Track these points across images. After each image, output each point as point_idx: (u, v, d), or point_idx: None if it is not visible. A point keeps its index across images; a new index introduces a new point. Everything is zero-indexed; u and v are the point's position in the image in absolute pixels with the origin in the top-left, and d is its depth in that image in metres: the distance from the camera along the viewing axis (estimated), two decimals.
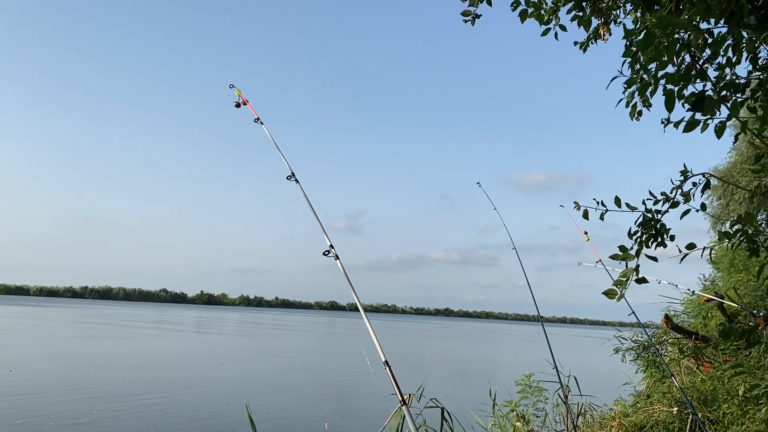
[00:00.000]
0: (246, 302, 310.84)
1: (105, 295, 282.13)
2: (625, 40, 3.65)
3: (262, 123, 4.77)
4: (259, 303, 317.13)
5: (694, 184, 3.57)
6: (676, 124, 2.88)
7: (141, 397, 17.18)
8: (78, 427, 13.12)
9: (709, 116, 2.74)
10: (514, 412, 7.83)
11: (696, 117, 2.73)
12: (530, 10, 4.41)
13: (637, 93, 3.81)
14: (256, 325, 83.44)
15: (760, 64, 3.22)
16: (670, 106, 2.65)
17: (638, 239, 3.64)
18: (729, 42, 3.11)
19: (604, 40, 4.60)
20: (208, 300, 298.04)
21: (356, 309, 3.77)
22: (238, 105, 4.87)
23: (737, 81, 3.18)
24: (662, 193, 3.63)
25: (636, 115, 4.06)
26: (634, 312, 6.62)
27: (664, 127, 3.09)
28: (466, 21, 4.51)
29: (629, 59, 3.64)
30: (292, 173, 4.39)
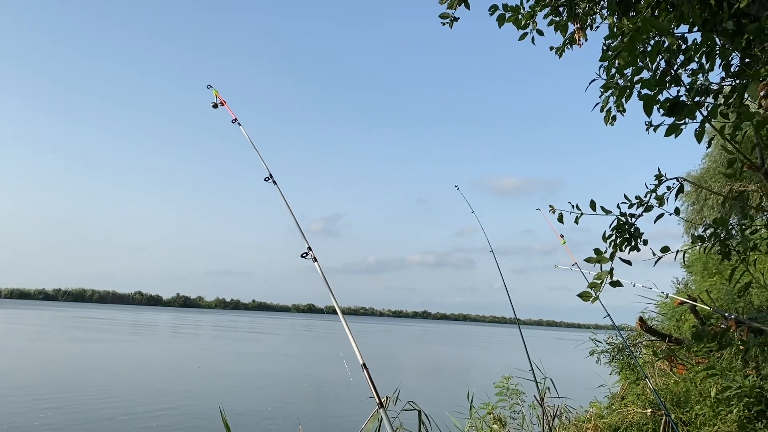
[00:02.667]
0: (222, 305, 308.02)
1: (78, 297, 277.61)
2: (602, 45, 3.70)
3: (239, 124, 4.74)
4: (235, 306, 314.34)
5: (669, 188, 3.62)
6: (656, 128, 2.92)
7: (114, 401, 16.95)
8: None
9: (683, 121, 2.78)
10: (491, 415, 7.86)
11: (676, 122, 2.77)
12: (508, 15, 4.44)
13: (614, 98, 3.85)
14: (232, 327, 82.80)
15: (732, 70, 3.27)
16: (648, 111, 2.68)
17: (612, 242, 3.68)
18: (703, 49, 3.16)
19: (579, 44, 4.65)
20: (183, 303, 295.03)
21: (334, 311, 3.76)
22: (215, 106, 4.83)
23: (710, 86, 3.23)
24: (636, 197, 3.68)
25: (610, 120, 4.11)
26: (609, 314, 6.68)
27: (647, 130, 3.13)
28: (444, 24, 4.53)
29: (605, 63, 3.68)
30: (270, 175, 4.36)
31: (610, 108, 4.05)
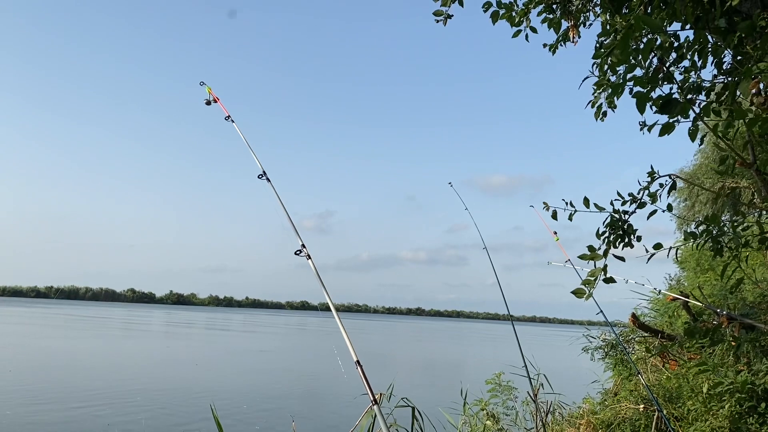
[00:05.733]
0: (216, 302, 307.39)
1: (71, 294, 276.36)
2: (595, 42, 3.71)
3: (233, 121, 4.72)
4: (228, 303, 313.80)
5: (661, 185, 3.64)
6: (650, 128, 2.93)
7: (105, 397, 16.90)
8: (38, 427, 12.87)
9: (676, 119, 2.79)
10: (485, 411, 7.88)
11: (670, 120, 2.78)
12: (502, 12, 4.45)
13: (605, 94, 3.86)
14: (226, 325, 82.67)
15: (724, 68, 3.29)
16: (641, 108, 2.69)
17: (606, 239, 3.70)
18: (696, 46, 3.18)
19: (573, 42, 4.66)
20: (176, 300, 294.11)
21: (328, 309, 3.76)
22: (208, 103, 4.81)
23: (702, 84, 3.25)
24: (629, 194, 3.70)
25: (600, 116, 4.13)
26: (602, 311, 6.70)
27: (641, 130, 3.14)
28: (438, 21, 4.53)
29: (598, 61, 3.69)
30: (264, 172, 4.35)
31: (600, 104, 4.07)
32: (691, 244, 3.72)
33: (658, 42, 3.30)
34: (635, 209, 3.68)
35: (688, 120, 2.87)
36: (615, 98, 3.86)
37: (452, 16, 4.52)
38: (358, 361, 3.42)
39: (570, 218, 3.94)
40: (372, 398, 3.29)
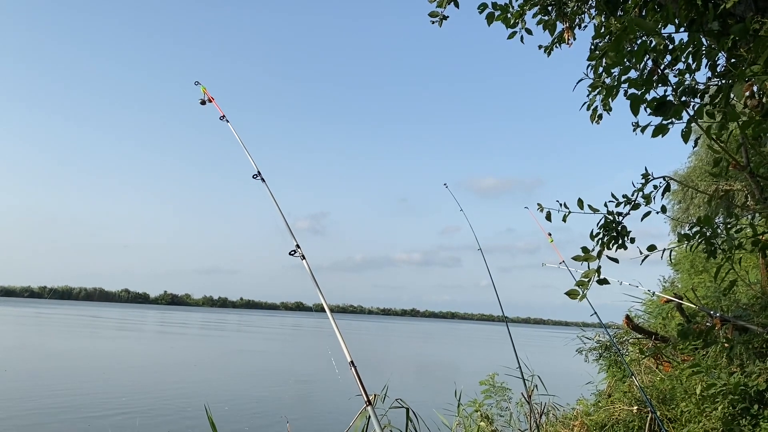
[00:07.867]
0: (210, 303, 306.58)
1: (65, 295, 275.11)
2: (590, 44, 3.72)
3: (227, 121, 4.71)
4: (223, 303, 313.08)
5: (655, 186, 3.65)
6: (643, 129, 2.94)
7: (99, 398, 16.85)
8: (31, 428, 12.82)
9: (670, 120, 2.79)
10: (479, 412, 7.88)
11: (663, 122, 2.79)
12: (497, 14, 4.45)
13: (600, 96, 3.87)
14: (220, 325, 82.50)
15: (718, 70, 3.30)
16: (635, 110, 2.69)
17: (600, 241, 3.71)
18: (690, 49, 3.19)
19: (569, 44, 4.67)
20: (171, 300, 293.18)
21: (322, 309, 3.75)
22: (203, 102, 4.80)
23: (696, 86, 3.26)
24: (624, 196, 3.71)
25: (596, 119, 4.14)
26: (596, 312, 6.72)
27: (634, 131, 3.15)
28: (433, 22, 4.53)
29: (593, 63, 3.70)
30: (258, 172, 4.34)
31: (596, 107, 4.08)
32: (684, 246, 3.73)
33: (652, 44, 3.31)
34: (629, 211, 3.69)
35: (682, 122, 2.88)
36: (610, 100, 3.87)
37: (447, 17, 4.53)
38: (352, 362, 3.41)
39: (564, 219, 3.95)
40: (366, 399, 3.29)
